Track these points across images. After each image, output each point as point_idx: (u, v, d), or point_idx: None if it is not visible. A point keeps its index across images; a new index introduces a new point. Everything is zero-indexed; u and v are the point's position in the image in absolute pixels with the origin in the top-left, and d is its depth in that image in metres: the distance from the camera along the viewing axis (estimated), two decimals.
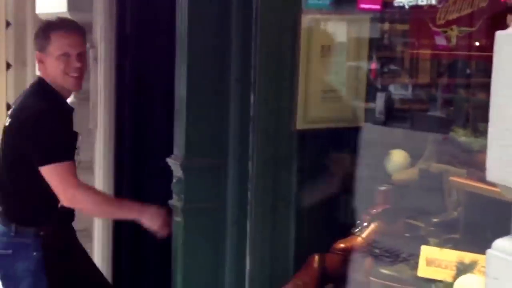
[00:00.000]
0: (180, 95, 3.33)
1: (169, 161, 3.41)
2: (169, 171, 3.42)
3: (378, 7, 5.16)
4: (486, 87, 4.08)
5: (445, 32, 3.40)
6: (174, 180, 3.37)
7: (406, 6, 3.92)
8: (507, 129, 1.41)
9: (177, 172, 3.36)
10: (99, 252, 4.52)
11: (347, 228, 3.26)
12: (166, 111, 3.69)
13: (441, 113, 4.31)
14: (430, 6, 3.52)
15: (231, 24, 3.28)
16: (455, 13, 3.27)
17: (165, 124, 3.68)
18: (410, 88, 5.88)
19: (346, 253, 3.17)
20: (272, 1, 3.19)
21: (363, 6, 5.30)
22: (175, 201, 3.38)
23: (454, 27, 3.34)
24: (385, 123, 5.41)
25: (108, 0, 4.27)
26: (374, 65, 6.36)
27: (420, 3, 3.75)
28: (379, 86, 6.56)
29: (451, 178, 2.86)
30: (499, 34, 1.44)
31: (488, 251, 1.49)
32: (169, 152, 3.43)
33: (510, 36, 1.42)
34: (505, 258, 1.44)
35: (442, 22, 3.40)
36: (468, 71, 4.18)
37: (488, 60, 3.72)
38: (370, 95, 5.69)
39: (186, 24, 3.27)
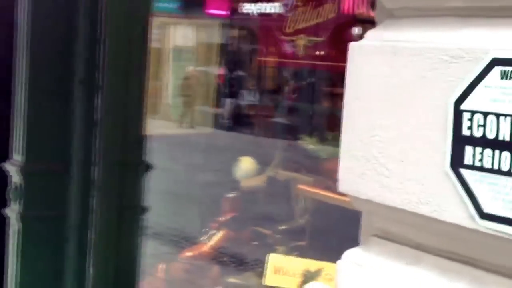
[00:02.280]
0: (19, 96, 3.13)
1: (6, 165, 3.20)
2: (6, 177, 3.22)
3: (225, 13, 5.16)
4: (333, 96, 4.18)
5: (293, 41, 3.44)
6: (11, 186, 3.17)
7: (255, 13, 3.95)
8: (359, 139, 1.41)
9: (15, 177, 3.16)
10: None
11: (194, 236, 3.21)
12: (7, 112, 3.46)
13: (287, 120, 4.36)
14: (280, 15, 3.56)
15: (76, 23, 3.13)
16: (303, 23, 3.32)
17: (5, 126, 3.45)
18: (257, 95, 5.96)
19: (193, 262, 3.12)
20: (120, 2, 3.08)
21: (210, 11, 5.29)
22: (12, 208, 3.18)
23: (302, 36, 3.38)
24: (232, 128, 5.43)
25: None
26: (222, 71, 6.39)
27: (268, 11, 3.79)
28: (227, 92, 6.61)
29: (299, 186, 2.89)
30: (352, 45, 1.43)
31: (339, 261, 1.48)
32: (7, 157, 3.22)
33: (362, 48, 1.42)
34: (355, 267, 1.44)
35: (291, 31, 3.45)
36: (314, 80, 4.27)
37: (336, 70, 3.81)
38: (218, 101, 5.69)
39: (28, 21, 3.09)
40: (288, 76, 4.93)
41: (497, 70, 1.15)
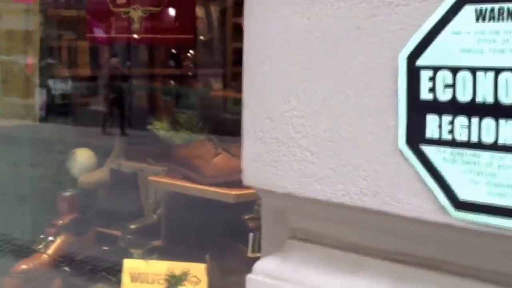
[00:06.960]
0: None
1: None
2: None
3: None
4: (175, 77, 3.79)
5: (127, 13, 3.04)
6: None
7: None
8: (268, 117, 1.08)
9: None
10: None
11: (28, 245, 2.74)
12: None
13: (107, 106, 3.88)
14: None
15: None
16: None
17: None
18: (71, 82, 5.46)
19: (29, 275, 2.66)
20: None
21: None
22: None
23: (136, 7, 2.99)
24: (46, 119, 4.90)
25: None
26: (30, 60, 5.80)
27: None
28: (38, 81, 6.01)
29: (150, 177, 2.51)
30: None
31: (249, 276, 1.15)
32: None
33: None
34: (273, 283, 1.11)
35: (123, 1, 3.04)
36: (147, 57, 3.85)
37: (174, 42, 3.43)
38: (29, 91, 5.13)
39: None
40: (115, 56, 4.48)
41: (469, 10, 0.86)
